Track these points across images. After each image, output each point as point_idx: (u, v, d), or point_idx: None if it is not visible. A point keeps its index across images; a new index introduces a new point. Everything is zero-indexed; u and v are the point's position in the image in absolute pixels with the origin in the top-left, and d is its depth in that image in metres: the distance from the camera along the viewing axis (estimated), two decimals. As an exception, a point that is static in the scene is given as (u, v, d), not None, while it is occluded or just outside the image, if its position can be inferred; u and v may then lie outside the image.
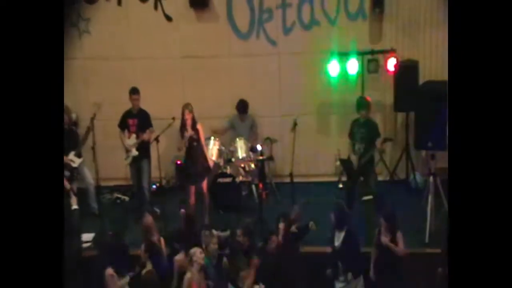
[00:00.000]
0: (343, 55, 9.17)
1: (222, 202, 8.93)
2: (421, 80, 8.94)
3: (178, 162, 9.40)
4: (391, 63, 9.03)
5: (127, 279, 6.55)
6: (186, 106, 8.21)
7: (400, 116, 9.66)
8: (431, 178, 7.75)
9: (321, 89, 9.69)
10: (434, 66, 9.32)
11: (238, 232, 6.89)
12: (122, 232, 7.45)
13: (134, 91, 8.82)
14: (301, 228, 7.05)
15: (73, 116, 9.31)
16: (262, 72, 9.83)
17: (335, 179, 9.63)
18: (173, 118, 8.50)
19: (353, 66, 9.17)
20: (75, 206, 8.48)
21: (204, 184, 8.47)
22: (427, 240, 7.58)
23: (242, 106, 9.55)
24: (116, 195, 9.77)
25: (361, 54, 9.21)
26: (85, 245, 7.97)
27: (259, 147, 9.24)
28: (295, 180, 8.60)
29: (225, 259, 6.92)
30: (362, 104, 8.38)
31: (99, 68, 9.89)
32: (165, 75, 9.85)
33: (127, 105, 8.91)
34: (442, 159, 7.56)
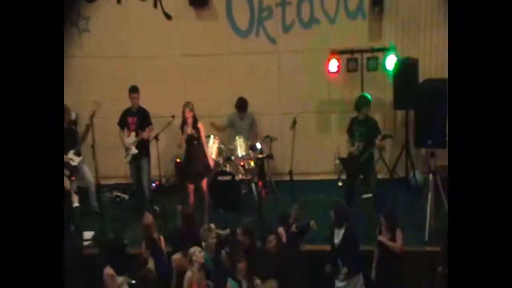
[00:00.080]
0: (343, 53, 9.15)
1: (222, 200, 8.93)
2: (421, 78, 8.92)
3: (178, 161, 9.40)
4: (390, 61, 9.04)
5: (129, 280, 6.51)
6: (187, 105, 8.19)
7: (400, 114, 9.64)
8: (430, 176, 7.74)
9: (321, 87, 9.68)
10: (434, 64, 9.28)
11: (238, 231, 6.88)
12: (122, 232, 7.45)
13: (133, 90, 8.82)
14: (302, 227, 7.05)
15: (73, 114, 9.31)
16: (261, 70, 9.81)
17: (334, 177, 9.65)
18: (173, 116, 8.51)
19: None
20: (76, 204, 8.47)
21: (204, 183, 8.47)
22: (426, 238, 7.58)
23: (242, 104, 9.53)
24: (116, 193, 9.77)
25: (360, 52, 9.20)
26: (85, 243, 7.99)
27: (258, 145, 9.25)
28: (295, 178, 8.60)
29: (223, 252, 6.90)
30: (364, 102, 8.29)
31: (99, 66, 9.88)
32: (165, 73, 9.84)
33: (126, 103, 8.91)
34: (442, 157, 7.56)
